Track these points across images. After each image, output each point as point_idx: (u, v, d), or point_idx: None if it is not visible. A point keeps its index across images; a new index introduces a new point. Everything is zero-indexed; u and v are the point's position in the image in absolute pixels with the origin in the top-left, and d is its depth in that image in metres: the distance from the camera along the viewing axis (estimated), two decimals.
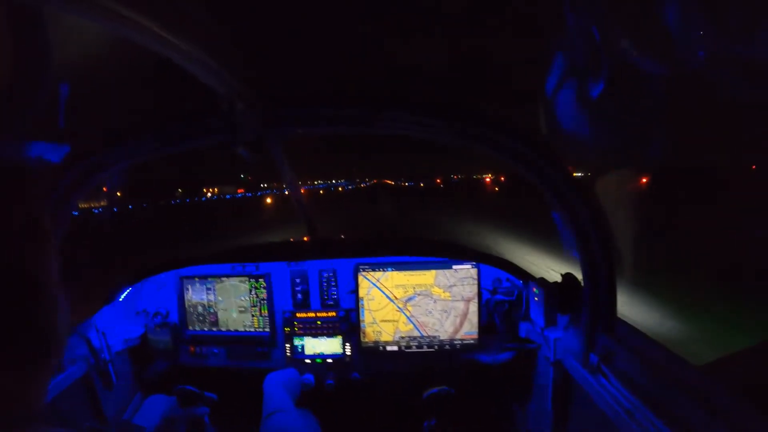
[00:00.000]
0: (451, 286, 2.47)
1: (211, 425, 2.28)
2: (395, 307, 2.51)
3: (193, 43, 0.95)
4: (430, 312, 2.50)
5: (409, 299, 2.50)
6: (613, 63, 1.00)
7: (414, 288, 2.49)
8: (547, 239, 13.01)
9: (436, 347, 2.51)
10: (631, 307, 7.60)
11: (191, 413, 2.17)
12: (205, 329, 2.65)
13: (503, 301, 2.37)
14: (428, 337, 2.51)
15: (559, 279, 2.02)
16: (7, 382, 0.52)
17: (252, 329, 2.63)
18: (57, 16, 0.85)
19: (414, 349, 2.53)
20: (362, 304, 2.53)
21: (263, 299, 2.60)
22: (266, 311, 2.61)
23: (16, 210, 0.53)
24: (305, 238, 2.75)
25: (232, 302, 2.63)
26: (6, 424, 0.50)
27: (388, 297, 2.51)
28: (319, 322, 2.59)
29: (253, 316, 2.63)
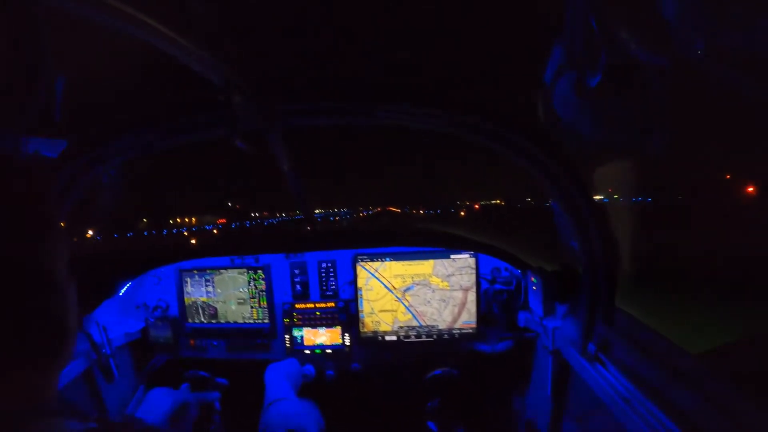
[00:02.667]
0: (449, 276, 2.48)
1: (221, 410, 2.30)
2: (394, 297, 2.53)
3: (190, 36, 0.94)
4: (429, 302, 2.51)
5: (408, 289, 2.51)
6: (612, 54, 0.99)
7: (412, 278, 2.51)
8: None
9: (434, 337, 2.53)
10: None
11: (202, 398, 2.19)
12: (205, 322, 2.66)
13: (502, 291, 2.39)
14: (427, 326, 2.53)
15: (557, 268, 2.03)
16: (22, 375, 0.53)
17: (251, 321, 2.64)
18: (54, 11, 0.84)
19: (413, 339, 2.54)
20: (361, 295, 2.55)
21: (262, 291, 2.61)
22: (265, 303, 2.62)
23: (29, 208, 0.54)
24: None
25: (230, 294, 2.64)
26: (21, 417, 0.51)
27: (386, 287, 2.52)
28: (318, 313, 2.60)
29: (252, 307, 2.63)
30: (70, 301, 0.59)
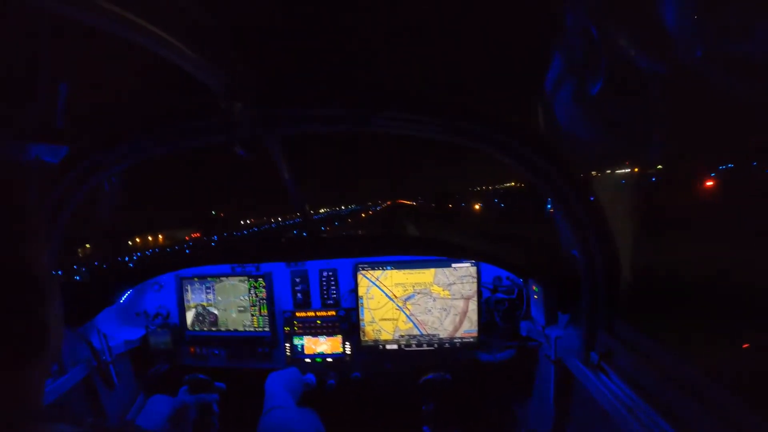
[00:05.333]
0: (450, 285, 2.47)
1: (220, 414, 2.29)
2: (395, 305, 2.51)
3: (190, 43, 0.94)
4: (430, 310, 2.50)
5: (409, 298, 2.50)
6: (611, 60, 1.00)
7: (413, 286, 2.49)
8: None
9: (435, 345, 2.51)
10: None
11: (201, 399, 2.19)
12: (205, 330, 2.65)
13: (503, 300, 2.37)
14: (428, 335, 2.51)
15: (559, 277, 2.02)
16: (5, 378, 0.52)
17: (252, 329, 2.63)
18: (54, 16, 0.85)
19: (414, 348, 2.53)
20: (362, 303, 2.53)
21: (263, 299, 2.60)
22: (266, 311, 2.61)
23: (8, 206, 0.54)
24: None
25: (231, 302, 2.63)
26: (7, 421, 0.50)
27: (387, 296, 2.51)
28: (319, 322, 2.59)
29: (252, 315, 2.62)
30: (52, 300, 0.59)
